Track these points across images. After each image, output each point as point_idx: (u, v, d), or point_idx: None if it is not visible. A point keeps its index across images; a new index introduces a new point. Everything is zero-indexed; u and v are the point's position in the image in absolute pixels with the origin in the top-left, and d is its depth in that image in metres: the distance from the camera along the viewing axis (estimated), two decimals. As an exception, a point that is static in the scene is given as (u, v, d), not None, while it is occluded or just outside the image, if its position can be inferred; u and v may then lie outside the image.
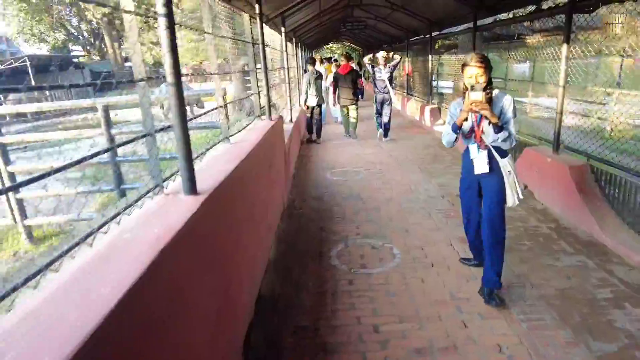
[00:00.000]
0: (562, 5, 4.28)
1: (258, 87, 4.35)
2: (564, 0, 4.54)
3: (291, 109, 7.13)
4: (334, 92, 8.90)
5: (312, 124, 8.61)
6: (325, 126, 10.83)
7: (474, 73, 2.45)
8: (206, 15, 2.88)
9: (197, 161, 2.41)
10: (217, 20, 3.31)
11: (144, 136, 1.73)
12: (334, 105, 10.53)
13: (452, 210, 4.38)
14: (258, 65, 4.38)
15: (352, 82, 8.22)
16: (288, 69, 7.05)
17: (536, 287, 2.87)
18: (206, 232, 1.83)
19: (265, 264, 3.22)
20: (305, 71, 8.97)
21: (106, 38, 33.81)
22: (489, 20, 6.70)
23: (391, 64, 8.01)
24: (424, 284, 2.97)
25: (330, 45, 32.79)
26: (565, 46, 4.07)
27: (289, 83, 7.10)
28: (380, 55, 8.07)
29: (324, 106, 9.21)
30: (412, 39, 11.59)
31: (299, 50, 12.75)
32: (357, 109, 8.46)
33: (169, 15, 1.68)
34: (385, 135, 8.19)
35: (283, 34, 6.86)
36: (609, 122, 4.32)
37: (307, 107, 8.36)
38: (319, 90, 8.31)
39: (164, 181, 1.91)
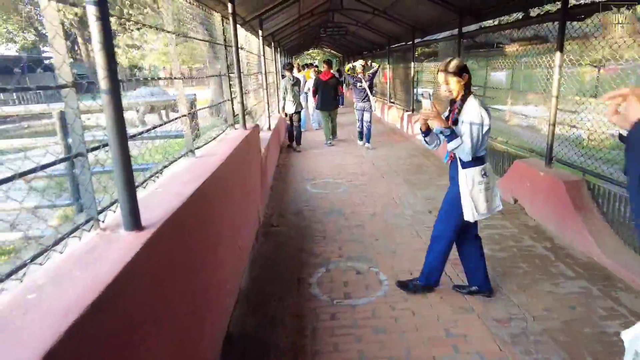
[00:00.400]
0: (554, 12, 4.07)
1: (231, 93, 3.97)
2: (553, 8, 4.37)
3: (269, 116, 6.76)
4: (315, 98, 8.85)
5: (292, 131, 8.38)
6: (305, 133, 10.54)
7: (440, 79, 2.48)
8: (166, 12, 2.50)
9: (151, 182, 2.02)
10: (190, 22, 2.93)
11: (64, 159, 1.33)
12: (313, 112, 10.41)
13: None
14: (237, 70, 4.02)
15: (333, 88, 8.27)
16: (266, 74, 6.68)
17: (538, 319, 2.58)
18: (151, 279, 1.44)
19: (236, 295, 2.83)
20: (283, 77, 8.65)
21: (79, 39, 32.72)
22: (474, 27, 6.52)
23: (370, 72, 8.04)
24: (415, 318, 2.64)
25: (311, 51, 32.58)
26: (558, 55, 3.86)
27: (266, 89, 6.73)
28: (358, 64, 8.18)
29: (303, 112, 9.16)
30: (394, 45, 11.45)
31: (279, 55, 12.42)
32: (336, 115, 8.71)
33: (101, 3, 1.30)
34: (367, 141, 8.18)
35: (261, 38, 6.50)
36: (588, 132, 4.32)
37: (285, 114, 8.11)
38: (296, 97, 8.07)
39: (99, 213, 1.51)
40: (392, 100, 12.06)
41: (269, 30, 8.43)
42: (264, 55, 6.57)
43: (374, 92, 8.30)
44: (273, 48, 9.14)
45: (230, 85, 3.96)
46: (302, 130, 11.07)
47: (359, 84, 7.84)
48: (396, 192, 5.23)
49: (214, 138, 3.38)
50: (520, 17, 5.04)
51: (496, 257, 3.42)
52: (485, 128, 2.38)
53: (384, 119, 12.39)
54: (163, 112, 16.36)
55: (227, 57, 3.88)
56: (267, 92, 6.77)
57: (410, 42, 9.23)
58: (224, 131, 3.78)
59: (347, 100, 15.30)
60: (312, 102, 10.77)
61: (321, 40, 18.23)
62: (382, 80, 19.54)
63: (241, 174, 3.37)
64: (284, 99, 7.85)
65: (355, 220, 4.33)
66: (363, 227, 4.14)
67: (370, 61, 8.74)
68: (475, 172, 2.44)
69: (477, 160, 2.45)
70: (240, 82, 3.96)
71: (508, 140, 5.34)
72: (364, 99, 7.85)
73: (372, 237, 3.88)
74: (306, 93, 10.79)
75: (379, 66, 8.70)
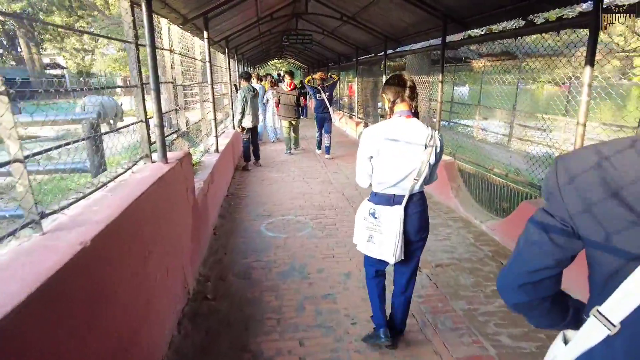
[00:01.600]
0: (586, 13, 3.17)
1: (145, 110, 2.74)
2: (570, 14, 3.50)
3: (217, 135, 5.52)
4: (277, 108, 8.71)
5: (248, 150, 7.34)
6: (262, 146, 9.46)
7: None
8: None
9: None
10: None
11: None
12: (276, 123, 9.81)
13: (440, 298, 3.03)
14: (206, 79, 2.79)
15: (295, 99, 8.25)
16: (212, 84, 5.46)
17: None
18: None
19: None
20: (236, 88, 7.48)
21: (21, 41, 29.89)
22: (448, 37, 5.65)
23: (329, 83, 8.27)
24: None
25: (275, 61, 31.53)
26: (588, 69, 2.94)
27: (213, 102, 5.50)
28: (317, 76, 8.46)
29: (260, 126, 8.92)
30: (363, 57, 10.54)
31: (238, 65, 11.21)
32: (299, 125, 8.66)
33: None
34: (327, 152, 8.21)
35: (206, 40, 5.29)
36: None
37: (243, 130, 7.03)
38: (256, 110, 7.08)
39: None
40: (360, 116, 11.12)
41: (222, 33, 7.23)
42: (209, 62, 5.35)
43: (333, 103, 8.61)
44: (227, 55, 7.93)
45: (144, 100, 2.73)
46: (259, 143, 10.07)
47: (318, 95, 8.06)
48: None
49: (104, 185, 2.14)
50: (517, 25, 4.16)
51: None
52: (361, 150, 2.17)
53: (350, 135, 11.43)
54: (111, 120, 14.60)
55: (138, 61, 2.66)
56: (214, 106, 5.53)
57: (382, 53, 8.32)
58: (129, 168, 2.54)
59: (310, 112, 14.44)
60: (269, 114, 9.94)
61: (285, 50, 17.20)
62: (348, 93, 18.83)
63: (148, 239, 2.15)
64: (242, 112, 6.83)
65: (324, 286, 3.17)
66: (334, 299, 2.99)
67: (330, 73, 9.04)
68: (365, 205, 2.25)
69: (372, 195, 2.24)
70: (158, 95, 2.74)
71: (508, 173, 4.42)
72: (323, 110, 8.05)
73: (347, 320, 2.74)
74: (264, 104, 9.74)
75: (338, 78, 8.90)
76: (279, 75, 16.10)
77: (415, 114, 2.17)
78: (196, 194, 3.55)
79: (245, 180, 6.56)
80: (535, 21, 3.98)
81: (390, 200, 2.15)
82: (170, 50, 3.62)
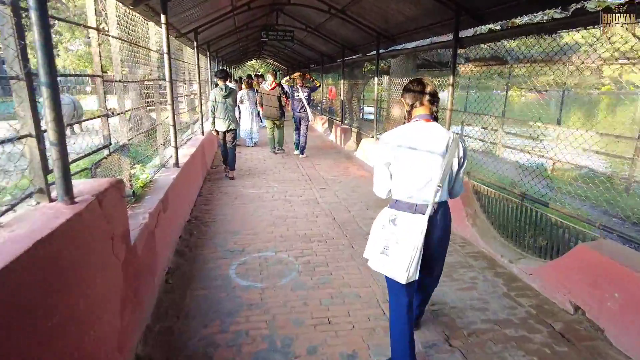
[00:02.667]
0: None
1: (37, 119, 1.67)
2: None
3: (177, 146, 4.42)
4: (261, 107, 8.65)
5: (225, 154, 6.53)
6: (243, 153, 8.44)
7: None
8: None
9: None
10: None
11: None
12: (253, 126, 9.20)
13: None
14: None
15: (277, 99, 8.24)
16: (171, 81, 4.37)
17: None
18: None
19: None
20: (216, 86, 6.45)
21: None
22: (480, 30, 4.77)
23: (309, 86, 8.58)
24: None
25: (253, 61, 30.35)
26: None
27: (172, 105, 4.40)
28: (295, 75, 8.51)
29: (240, 129, 8.77)
30: (350, 57, 9.60)
31: (212, 63, 10.10)
32: (282, 124, 8.61)
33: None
34: (302, 152, 8.43)
35: (164, 26, 4.21)
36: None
37: (217, 133, 6.33)
38: (229, 112, 6.16)
39: None
40: (346, 122, 10.17)
41: (190, 23, 6.13)
42: (168, 54, 4.25)
43: (311, 104, 8.91)
44: (196, 49, 6.81)
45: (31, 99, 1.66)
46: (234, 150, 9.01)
47: (296, 94, 8.27)
48: (379, 284, 3.15)
49: None
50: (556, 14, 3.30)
51: None
52: (379, 156, 2.08)
53: (336, 143, 10.44)
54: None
55: (20, 35, 1.58)
56: (173, 110, 4.43)
57: (374, 52, 7.40)
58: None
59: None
60: (246, 116, 9.13)
61: (263, 49, 16.12)
62: (328, 97, 17.92)
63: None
64: (213, 113, 6.16)
65: (319, 380, 2.16)
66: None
67: (313, 78, 9.13)
68: (384, 212, 2.09)
69: (394, 202, 2.08)
70: (55, 94, 1.66)
71: (550, 198, 3.53)
72: (300, 108, 8.28)
73: None
74: (238, 106, 8.78)
75: (319, 84, 9.39)
76: (255, 76, 15.10)
77: (435, 119, 2.07)
78: (137, 234, 2.47)
79: (214, 197, 5.44)
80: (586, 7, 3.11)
81: (412, 208, 2.01)
82: (98, 30, 2.52)
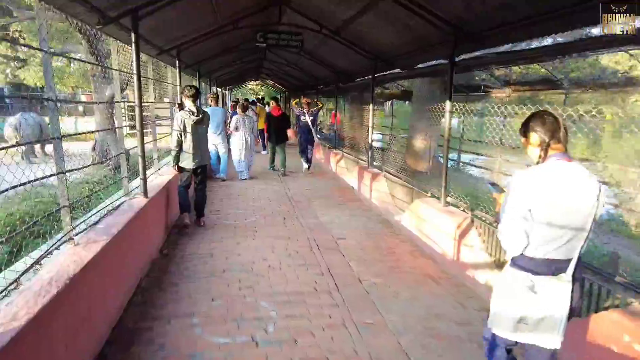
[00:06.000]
0: None
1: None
2: None
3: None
4: (267, 132, 9.54)
5: (186, 197, 5.25)
6: (225, 185, 7.73)
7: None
8: None
9: None
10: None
11: None
12: (241, 155, 8.28)
13: None
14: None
15: (284, 123, 8.97)
16: (141, 105, 3.96)
17: None
18: None
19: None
20: (180, 107, 5.42)
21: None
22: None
23: (314, 108, 9.44)
24: None
25: (253, 83, 29.74)
26: None
27: (141, 132, 3.97)
28: (304, 100, 9.41)
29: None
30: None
31: (201, 84, 9.77)
32: (284, 148, 9.15)
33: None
34: (309, 168, 9.48)
35: (134, 44, 3.83)
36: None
37: (179, 170, 5.11)
38: (201, 144, 5.05)
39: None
40: (345, 150, 9.69)
41: (172, 40, 5.78)
42: (138, 74, 3.85)
43: (319, 129, 10.32)
44: (178, 68, 6.43)
45: None
46: (221, 176, 8.29)
47: (302, 117, 9.18)
48: None
49: None
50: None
51: None
52: (515, 202, 1.82)
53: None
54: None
55: None
56: (142, 136, 3.98)
57: (370, 77, 7.04)
58: None
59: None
60: (237, 145, 8.26)
61: (262, 68, 15.76)
62: (331, 121, 17.48)
63: None
64: (178, 145, 4.86)
65: None
66: None
67: (316, 99, 10.37)
68: (515, 276, 1.86)
69: (525, 261, 1.82)
70: None
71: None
72: (307, 131, 9.12)
73: None
74: (227, 134, 8.31)
75: (322, 105, 10.30)
76: (252, 100, 14.88)
77: None
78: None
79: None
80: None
81: (552, 267, 1.81)
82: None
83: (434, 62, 5.56)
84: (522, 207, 1.79)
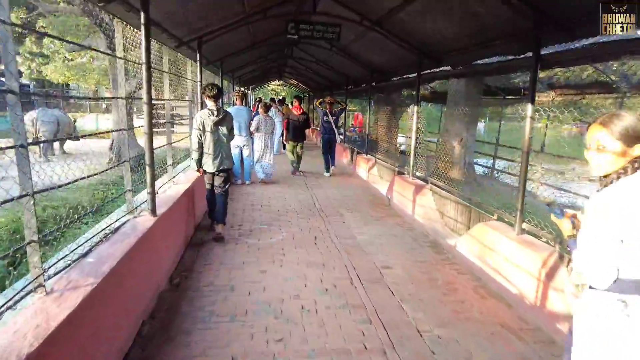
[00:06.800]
0: None
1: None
2: None
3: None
4: (286, 130, 9.30)
5: (213, 203, 4.81)
6: (246, 192, 6.96)
7: (592, 142, 1.56)
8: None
9: None
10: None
11: None
12: (264, 154, 7.94)
13: None
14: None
15: (304, 122, 8.80)
16: (150, 100, 3.21)
17: None
18: None
19: None
20: (203, 106, 5.03)
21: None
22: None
23: (337, 109, 9.54)
24: None
25: (276, 83, 29.30)
26: None
27: (150, 133, 3.23)
28: (327, 100, 9.55)
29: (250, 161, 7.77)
30: (394, 78, 8.06)
31: (223, 82, 9.09)
32: (302, 146, 9.06)
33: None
34: (332, 164, 9.45)
35: (143, 27, 3.09)
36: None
37: (203, 173, 4.66)
38: (222, 145, 4.55)
39: None
40: (378, 156, 8.81)
41: (192, 32, 5.08)
42: (148, 64, 3.11)
43: (339, 127, 10.01)
44: (199, 62, 5.72)
45: None
46: (244, 182, 7.80)
47: (325, 117, 9.19)
48: None
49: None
50: None
51: None
52: (601, 231, 1.46)
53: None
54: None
55: None
56: (151, 138, 3.24)
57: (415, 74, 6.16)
58: None
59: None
60: (259, 146, 7.82)
61: (286, 68, 15.11)
62: (353, 123, 16.65)
63: None
64: (199, 148, 4.46)
65: None
66: None
67: (339, 100, 10.19)
68: (600, 298, 1.52)
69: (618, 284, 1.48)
70: None
71: None
72: (329, 131, 9.16)
73: None
74: (251, 136, 7.70)
75: (345, 106, 10.23)
76: (278, 101, 14.21)
77: None
78: None
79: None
80: None
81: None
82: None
83: (499, 58, 4.68)
84: (612, 237, 1.47)
